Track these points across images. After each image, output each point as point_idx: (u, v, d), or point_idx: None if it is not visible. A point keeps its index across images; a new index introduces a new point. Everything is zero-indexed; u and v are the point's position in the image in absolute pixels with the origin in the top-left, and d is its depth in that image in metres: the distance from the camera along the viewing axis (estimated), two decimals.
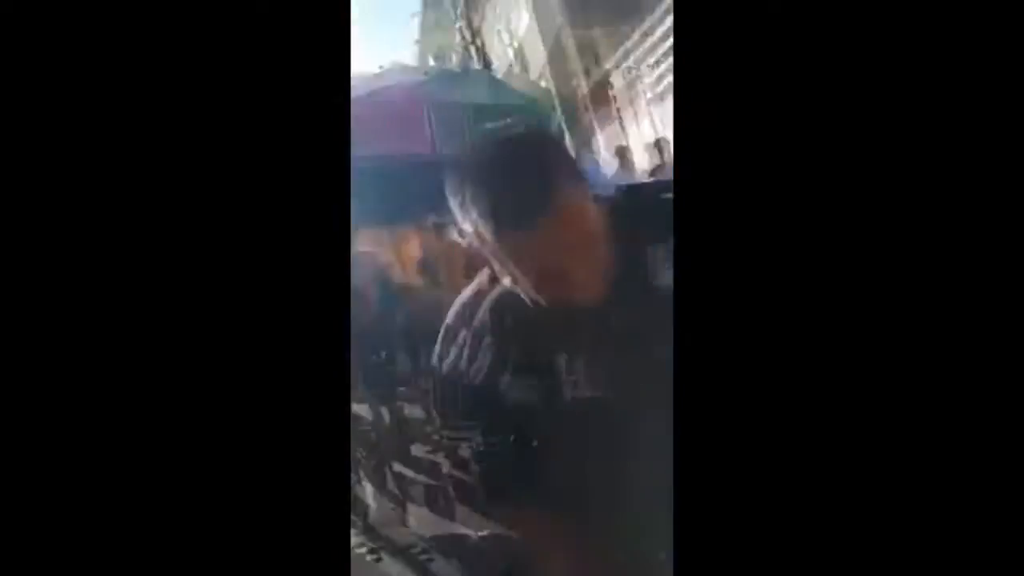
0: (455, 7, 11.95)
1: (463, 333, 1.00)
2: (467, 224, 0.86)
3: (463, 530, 1.81)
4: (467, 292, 1.04)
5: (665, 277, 0.96)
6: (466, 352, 0.99)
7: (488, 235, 0.83)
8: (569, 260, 0.85)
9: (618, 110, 8.97)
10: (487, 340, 0.99)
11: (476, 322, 1.00)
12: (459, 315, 1.02)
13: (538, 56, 10.74)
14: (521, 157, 0.86)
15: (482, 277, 1.03)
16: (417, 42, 14.99)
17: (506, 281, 0.94)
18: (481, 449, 1.01)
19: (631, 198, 1.02)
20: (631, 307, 0.94)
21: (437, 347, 1.01)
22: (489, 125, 3.98)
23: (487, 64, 10.81)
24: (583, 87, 9.65)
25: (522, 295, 0.93)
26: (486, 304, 1.00)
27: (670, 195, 0.97)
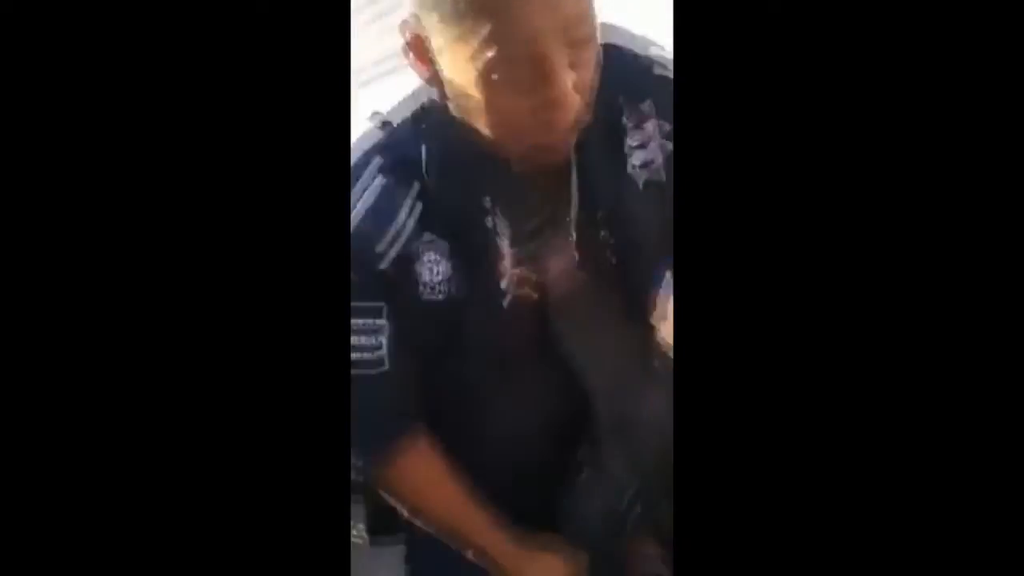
0: None
1: (376, 180, 0.70)
2: None
3: None
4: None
5: (644, 162, 0.75)
6: (374, 206, 0.69)
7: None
8: (552, 85, 0.62)
9: None
10: (403, 191, 0.69)
11: (391, 162, 0.69)
12: (367, 150, 0.70)
13: None
14: None
15: (415, 90, 0.72)
16: None
17: (448, 101, 0.65)
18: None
19: (622, 62, 0.76)
20: (601, 192, 0.73)
21: None
22: None
23: None
24: None
25: (462, 124, 0.65)
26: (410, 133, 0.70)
27: (663, 72, 0.78)
